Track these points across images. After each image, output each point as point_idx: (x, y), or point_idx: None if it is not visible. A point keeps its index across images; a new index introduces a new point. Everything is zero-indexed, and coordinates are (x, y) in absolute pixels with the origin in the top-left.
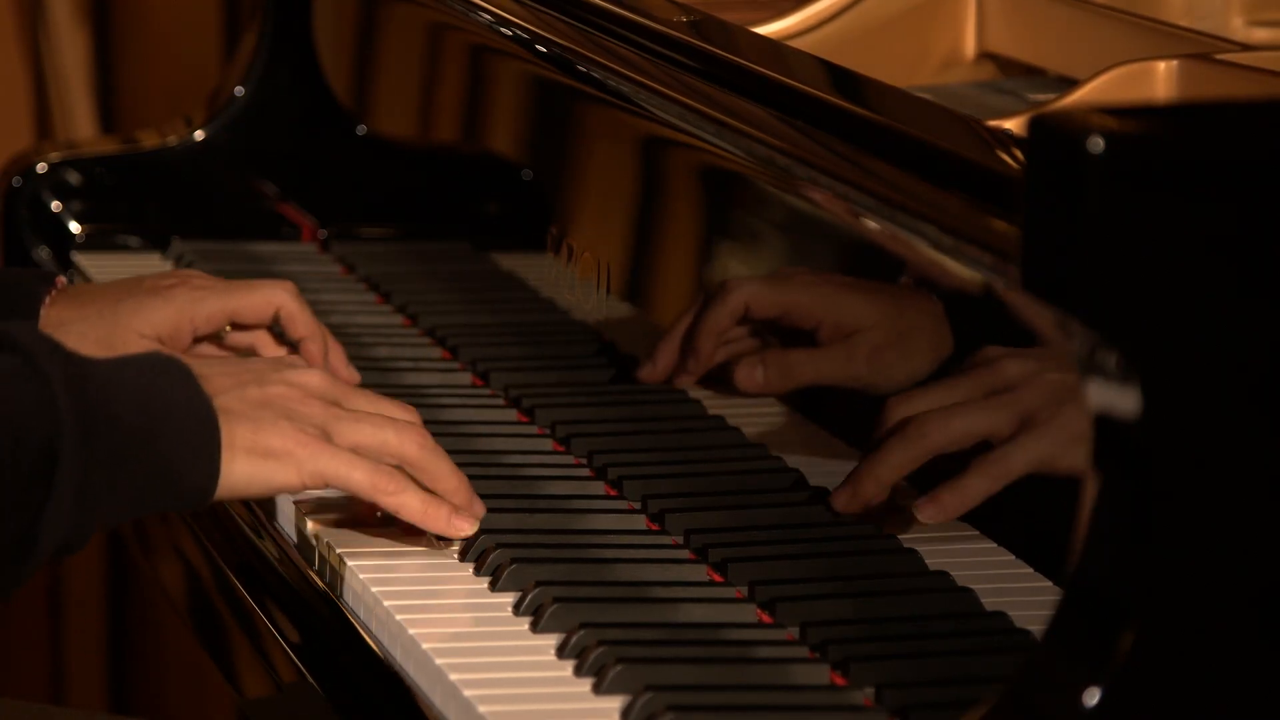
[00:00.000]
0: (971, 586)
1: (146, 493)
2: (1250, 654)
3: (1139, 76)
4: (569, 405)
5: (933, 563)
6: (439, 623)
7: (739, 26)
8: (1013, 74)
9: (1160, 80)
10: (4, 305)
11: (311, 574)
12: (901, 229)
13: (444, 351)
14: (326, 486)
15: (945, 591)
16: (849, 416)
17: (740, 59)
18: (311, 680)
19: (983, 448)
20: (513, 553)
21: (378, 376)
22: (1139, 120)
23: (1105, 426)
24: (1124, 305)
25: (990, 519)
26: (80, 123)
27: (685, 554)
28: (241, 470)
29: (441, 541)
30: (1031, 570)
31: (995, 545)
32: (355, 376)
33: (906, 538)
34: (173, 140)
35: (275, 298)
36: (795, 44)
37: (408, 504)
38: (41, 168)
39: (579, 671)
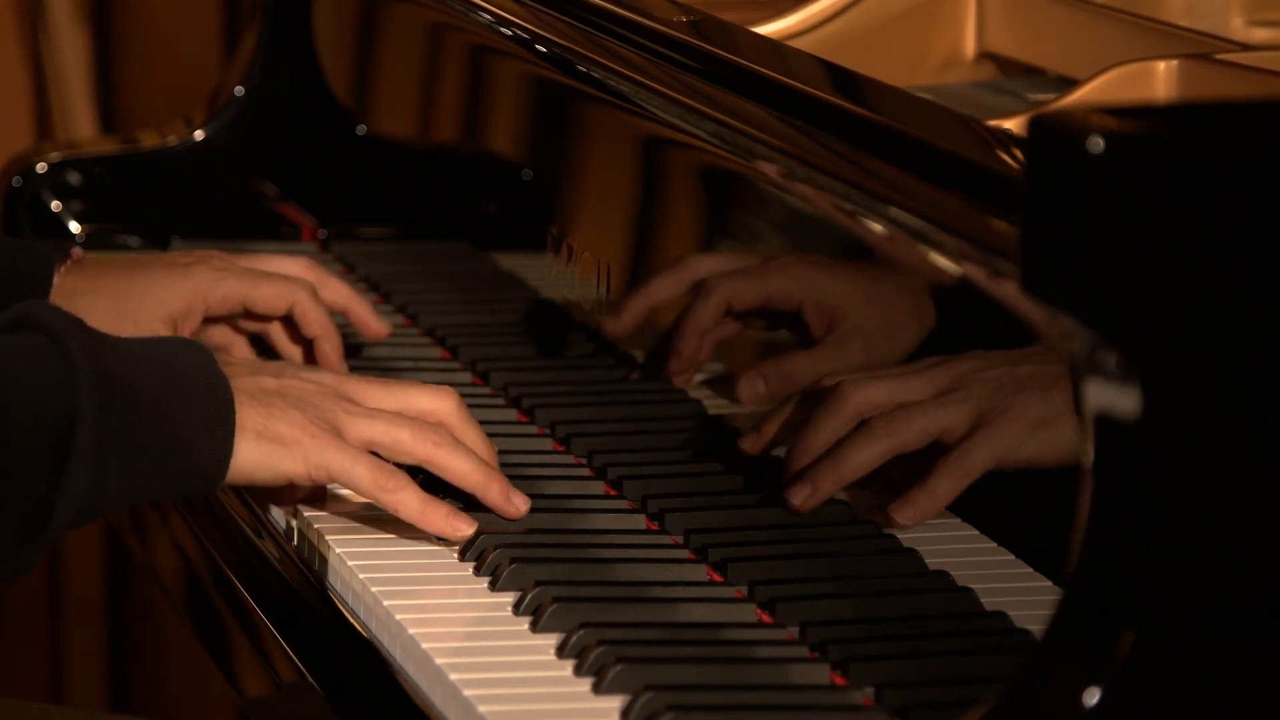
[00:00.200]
0: (971, 586)
1: (159, 466)
2: (1250, 654)
3: (1139, 76)
4: (569, 405)
5: (933, 563)
6: (439, 622)
7: (739, 26)
8: (1013, 74)
9: (1160, 80)
10: (19, 273)
11: (311, 574)
12: (901, 229)
13: (444, 351)
14: (331, 480)
15: (945, 591)
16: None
17: (740, 59)
18: (311, 680)
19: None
20: (512, 552)
21: (378, 376)
22: (1139, 120)
23: (1105, 426)
24: (1124, 305)
25: (991, 519)
26: (80, 123)
27: (685, 554)
28: (249, 452)
29: (442, 541)
30: (1031, 570)
31: (995, 545)
32: (386, 328)
33: (906, 538)
34: (173, 140)
35: (291, 294)
36: (795, 44)
37: (405, 503)
38: (41, 168)
39: (579, 671)
